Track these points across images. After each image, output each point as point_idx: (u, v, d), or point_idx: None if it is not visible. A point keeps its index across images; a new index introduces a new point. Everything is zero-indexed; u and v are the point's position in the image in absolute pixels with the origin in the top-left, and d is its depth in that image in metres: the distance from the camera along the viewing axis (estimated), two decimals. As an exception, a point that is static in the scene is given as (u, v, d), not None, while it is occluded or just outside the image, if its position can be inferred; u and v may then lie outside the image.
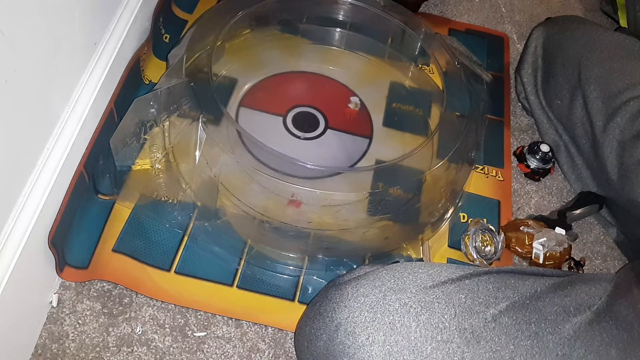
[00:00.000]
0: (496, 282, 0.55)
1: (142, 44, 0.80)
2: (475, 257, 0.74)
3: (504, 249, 0.76)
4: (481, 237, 0.75)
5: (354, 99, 0.88)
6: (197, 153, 0.68)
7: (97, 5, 0.69)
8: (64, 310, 0.66)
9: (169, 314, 0.67)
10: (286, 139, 0.81)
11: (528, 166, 0.85)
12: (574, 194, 0.85)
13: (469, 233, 0.76)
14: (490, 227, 0.76)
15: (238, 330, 0.67)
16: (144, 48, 0.81)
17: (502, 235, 0.76)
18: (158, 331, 0.66)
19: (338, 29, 0.95)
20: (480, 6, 1.13)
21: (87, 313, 0.66)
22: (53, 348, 0.63)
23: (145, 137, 0.71)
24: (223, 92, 0.84)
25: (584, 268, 0.76)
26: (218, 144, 0.67)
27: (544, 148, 0.85)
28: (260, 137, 0.68)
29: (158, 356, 0.64)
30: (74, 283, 0.67)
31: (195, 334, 0.66)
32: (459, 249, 0.76)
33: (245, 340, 0.67)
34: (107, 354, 0.64)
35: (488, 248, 0.75)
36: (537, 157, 0.84)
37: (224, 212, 0.71)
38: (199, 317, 0.67)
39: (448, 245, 0.77)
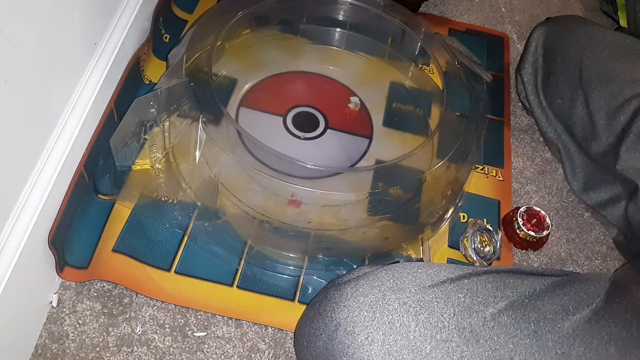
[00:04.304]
0: (495, 282, 0.55)
1: (142, 44, 0.80)
2: (475, 258, 0.74)
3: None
4: (480, 238, 0.75)
5: (354, 99, 0.88)
6: (197, 153, 0.68)
7: (97, 5, 0.69)
8: (64, 310, 0.66)
9: (169, 314, 0.67)
10: (286, 139, 0.81)
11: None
12: (574, 194, 0.85)
13: (467, 235, 0.76)
14: (488, 227, 0.76)
15: (238, 330, 0.67)
16: (144, 48, 0.81)
17: (501, 234, 0.76)
18: (158, 331, 0.66)
19: (338, 29, 0.95)
20: (480, 6, 1.13)
21: (87, 313, 0.66)
22: (53, 348, 0.63)
23: (145, 137, 0.72)
24: (223, 92, 0.84)
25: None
26: (218, 144, 0.67)
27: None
28: (260, 137, 0.68)
29: (158, 356, 0.64)
30: (74, 283, 0.67)
31: (195, 334, 0.66)
32: (459, 249, 0.76)
33: (245, 340, 0.67)
34: (107, 354, 0.64)
35: (487, 248, 0.75)
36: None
37: (224, 212, 0.71)
38: (199, 317, 0.67)
39: (448, 245, 0.77)
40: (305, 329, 0.55)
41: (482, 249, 0.75)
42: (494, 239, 0.75)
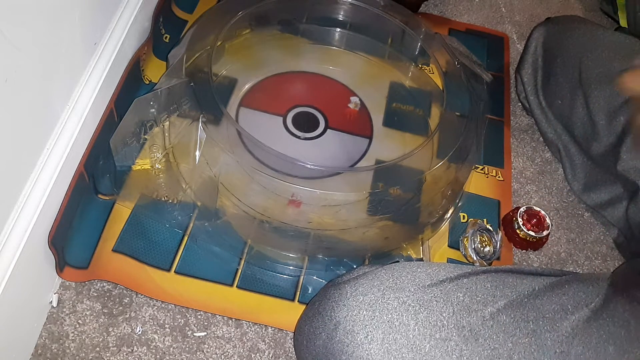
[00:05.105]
0: (494, 281, 0.55)
1: (142, 44, 0.80)
2: (475, 258, 0.74)
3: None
4: (480, 238, 0.75)
5: (354, 99, 0.88)
6: (197, 153, 0.68)
7: (97, 6, 0.69)
8: (64, 310, 0.66)
9: (169, 314, 0.67)
10: (286, 139, 0.81)
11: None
12: (574, 194, 0.85)
13: (467, 235, 0.76)
14: (488, 227, 0.76)
15: (238, 330, 0.67)
16: (144, 48, 0.81)
17: (501, 234, 0.76)
18: (158, 331, 0.66)
19: (338, 29, 0.95)
20: (480, 6, 1.13)
21: (87, 313, 0.66)
22: (53, 348, 0.63)
23: (145, 137, 0.72)
24: (223, 92, 0.84)
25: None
26: (218, 144, 0.67)
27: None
28: (260, 137, 0.68)
29: (158, 356, 0.64)
30: (74, 283, 0.67)
31: (195, 334, 0.66)
32: (459, 249, 0.76)
33: (245, 340, 0.67)
34: (107, 354, 0.64)
35: (487, 248, 0.75)
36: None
37: (224, 212, 0.71)
38: (199, 317, 0.67)
39: (448, 245, 0.77)
40: (305, 328, 0.56)
41: (482, 249, 0.75)
42: (494, 239, 0.75)
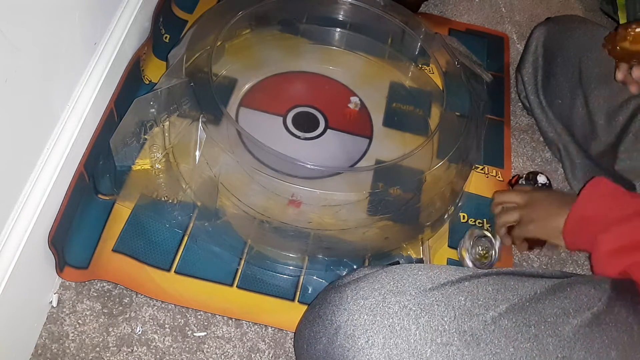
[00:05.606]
0: (495, 284, 0.55)
1: (142, 44, 0.80)
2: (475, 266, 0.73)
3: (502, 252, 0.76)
4: (479, 247, 0.74)
5: (354, 99, 0.88)
6: (197, 153, 0.68)
7: (97, 6, 0.69)
8: (64, 310, 0.66)
9: (169, 314, 0.67)
10: (286, 139, 0.81)
11: None
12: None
13: (465, 246, 0.75)
14: (486, 232, 0.75)
15: (238, 330, 0.67)
16: (144, 48, 0.81)
17: (499, 240, 0.75)
18: (158, 331, 0.66)
19: (338, 29, 0.95)
20: (480, 6, 1.13)
21: (87, 313, 0.66)
22: (53, 348, 0.63)
23: (145, 137, 0.72)
24: (223, 92, 0.84)
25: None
26: (218, 144, 0.67)
27: (541, 179, 0.79)
28: (260, 137, 0.68)
29: (158, 356, 0.64)
30: (74, 283, 0.67)
31: (195, 334, 0.66)
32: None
33: (245, 340, 0.67)
34: (107, 354, 0.64)
35: (486, 258, 0.74)
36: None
37: (224, 212, 0.71)
38: (199, 317, 0.67)
39: (448, 246, 0.77)
40: (305, 332, 0.55)
41: (482, 255, 0.74)
42: (492, 243, 0.74)
